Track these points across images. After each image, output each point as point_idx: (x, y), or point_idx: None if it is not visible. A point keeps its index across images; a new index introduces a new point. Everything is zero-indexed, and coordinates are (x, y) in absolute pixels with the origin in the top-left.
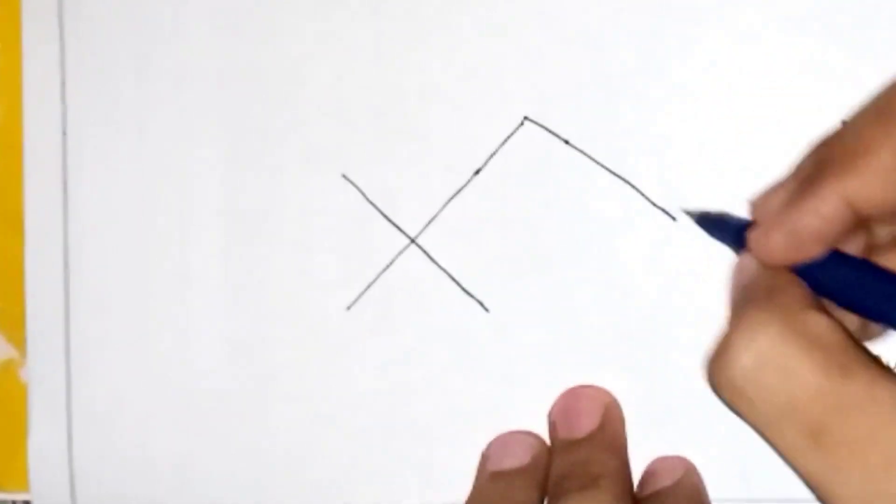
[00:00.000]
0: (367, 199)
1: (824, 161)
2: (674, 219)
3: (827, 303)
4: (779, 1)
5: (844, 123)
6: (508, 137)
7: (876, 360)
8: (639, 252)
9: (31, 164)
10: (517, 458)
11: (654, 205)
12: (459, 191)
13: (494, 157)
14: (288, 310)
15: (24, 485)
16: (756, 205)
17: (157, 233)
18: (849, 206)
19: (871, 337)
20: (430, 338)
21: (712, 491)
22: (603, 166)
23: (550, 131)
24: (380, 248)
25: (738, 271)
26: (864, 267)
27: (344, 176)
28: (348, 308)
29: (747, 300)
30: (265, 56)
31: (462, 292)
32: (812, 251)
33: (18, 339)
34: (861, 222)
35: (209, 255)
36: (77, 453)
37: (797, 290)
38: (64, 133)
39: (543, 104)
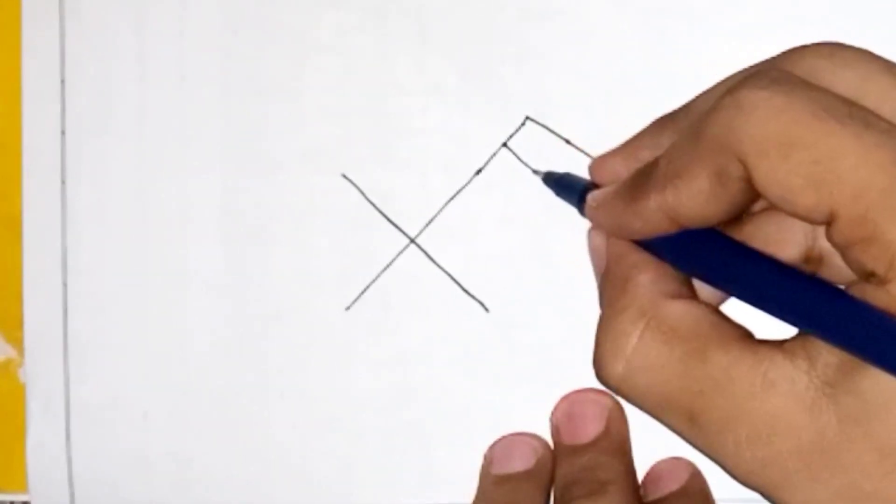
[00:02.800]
0: (367, 199)
1: (652, 171)
2: None
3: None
4: (779, 1)
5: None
6: (510, 137)
7: (737, 336)
8: None
9: (29, 164)
10: (522, 462)
11: None
12: (460, 191)
13: (495, 157)
14: (287, 310)
15: (22, 485)
16: (595, 167)
17: (155, 232)
18: (670, 219)
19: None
20: (430, 338)
21: (714, 491)
22: None
23: (552, 131)
24: (380, 248)
25: (592, 251)
26: (706, 237)
27: (344, 175)
28: (348, 308)
29: (607, 296)
30: (265, 56)
31: (462, 292)
32: (638, 238)
33: (16, 339)
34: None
35: (208, 254)
36: (75, 453)
37: (648, 276)
38: (63, 132)
39: (545, 104)
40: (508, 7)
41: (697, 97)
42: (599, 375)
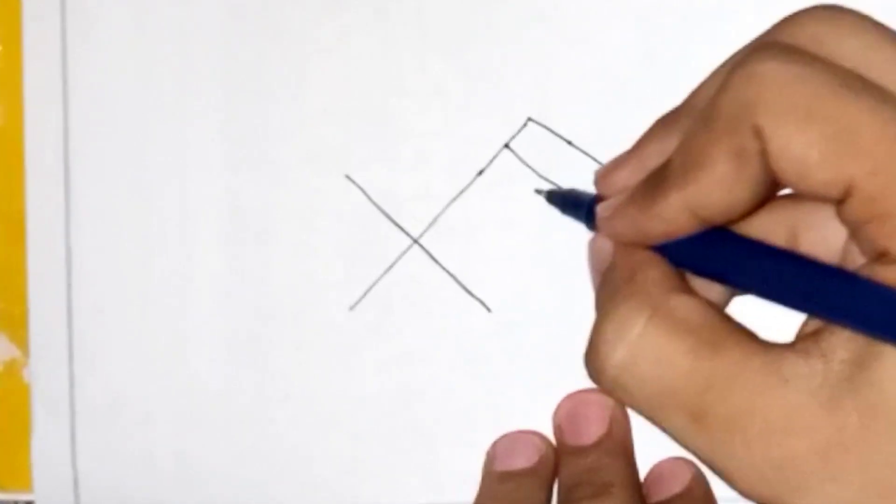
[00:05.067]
0: (371, 200)
1: (667, 170)
2: None
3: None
4: (779, 1)
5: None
6: (512, 138)
7: (747, 335)
8: None
9: (32, 164)
10: (525, 459)
11: None
12: (462, 191)
13: (498, 158)
14: (291, 310)
15: (27, 485)
16: (600, 178)
17: (159, 233)
18: (693, 214)
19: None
20: (432, 338)
21: (714, 491)
22: None
23: (554, 132)
24: (383, 249)
25: (594, 253)
26: (719, 236)
27: (347, 177)
28: (351, 308)
29: (611, 288)
30: (269, 57)
31: (465, 292)
32: (658, 242)
33: (21, 339)
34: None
35: (212, 255)
36: (80, 453)
37: (657, 272)
38: (65, 133)
39: (547, 105)
40: (510, 9)
41: (695, 92)
42: (593, 365)
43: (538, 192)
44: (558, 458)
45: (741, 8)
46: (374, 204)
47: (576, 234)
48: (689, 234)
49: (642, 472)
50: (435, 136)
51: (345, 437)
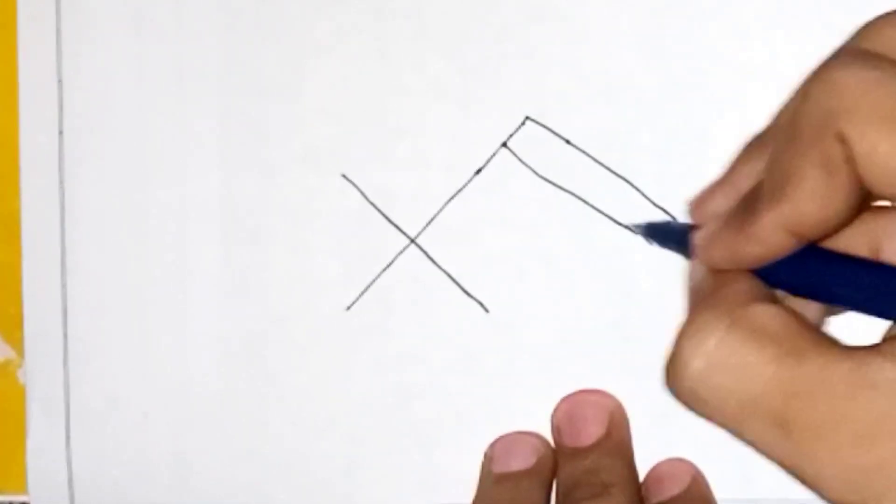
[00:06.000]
0: (367, 199)
1: (759, 191)
2: (674, 218)
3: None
4: (779, 1)
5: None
6: (510, 137)
7: (830, 341)
8: (640, 252)
9: (27, 164)
10: (523, 460)
11: (655, 204)
12: (460, 191)
13: (495, 157)
14: (287, 310)
15: (22, 486)
16: (694, 207)
17: (155, 233)
18: (790, 232)
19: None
20: (429, 338)
21: (715, 491)
22: (604, 166)
23: (552, 131)
24: (380, 249)
25: (690, 276)
26: (812, 254)
27: (344, 176)
28: (348, 308)
29: (695, 302)
30: (265, 55)
31: (462, 293)
32: (756, 265)
33: (16, 339)
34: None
35: (208, 255)
36: (75, 454)
37: (741, 285)
38: (60, 133)
39: (545, 104)
40: (508, 7)
41: (780, 110)
42: (671, 377)
43: (635, 228)
44: (557, 459)
45: (741, 8)
46: (371, 203)
47: (576, 234)
48: (787, 254)
49: (642, 473)
50: (432, 135)
51: (341, 438)
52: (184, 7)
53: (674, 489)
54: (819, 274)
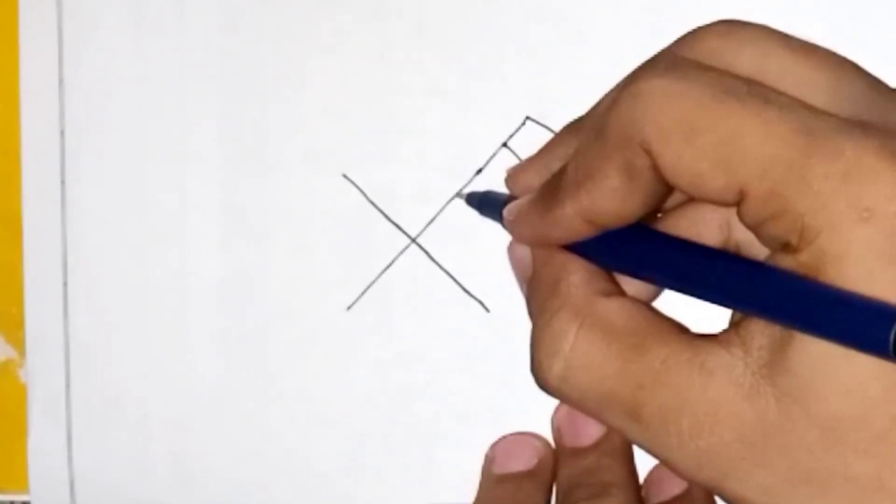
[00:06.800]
0: (368, 199)
1: (562, 179)
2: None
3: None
4: (779, 1)
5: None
6: (510, 137)
7: (673, 330)
8: None
9: (28, 164)
10: (524, 462)
11: None
12: (461, 191)
13: (496, 157)
14: (288, 310)
15: (23, 486)
16: (509, 178)
17: (156, 233)
18: (588, 221)
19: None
20: (430, 338)
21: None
22: None
23: (552, 131)
24: (380, 248)
25: (515, 260)
26: (634, 233)
27: (345, 175)
28: (349, 308)
29: (539, 298)
30: (266, 55)
31: (463, 292)
32: (559, 244)
33: (17, 339)
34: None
35: (209, 254)
36: (76, 454)
37: (579, 276)
38: (62, 132)
39: (545, 104)
40: (509, 7)
41: (601, 99)
42: (538, 379)
43: (459, 196)
44: (557, 459)
45: (741, 8)
46: (372, 203)
47: None
48: (587, 237)
49: (642, 474)
50: (433, 134)
51: (342, 438)
52: (184, 7)
53: (674, 489)
54: (633, 255)
